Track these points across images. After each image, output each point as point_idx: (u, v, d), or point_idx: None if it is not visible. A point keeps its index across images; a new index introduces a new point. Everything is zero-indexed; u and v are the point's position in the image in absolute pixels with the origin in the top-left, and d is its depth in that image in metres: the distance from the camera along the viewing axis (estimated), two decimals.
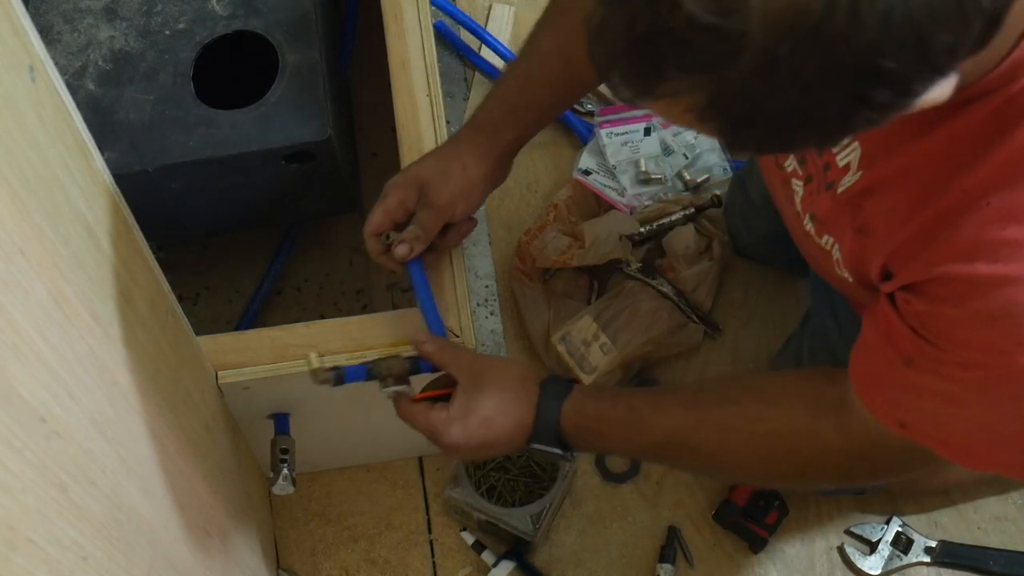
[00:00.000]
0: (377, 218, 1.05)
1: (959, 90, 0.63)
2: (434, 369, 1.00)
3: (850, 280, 0.89)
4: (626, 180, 1.51)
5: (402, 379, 1.00)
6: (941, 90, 0.60)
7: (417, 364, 1.00)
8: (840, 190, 0.85)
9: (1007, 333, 0.70)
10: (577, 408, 0.96)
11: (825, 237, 0.92)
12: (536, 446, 0.97)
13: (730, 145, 0.65)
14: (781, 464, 0.93)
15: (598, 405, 0.96)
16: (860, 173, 0.82)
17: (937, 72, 0.58)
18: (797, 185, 0.96)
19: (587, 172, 1.51)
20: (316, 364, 1.00)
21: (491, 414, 0.95)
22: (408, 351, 1.02)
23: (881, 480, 1.10)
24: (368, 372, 0.99)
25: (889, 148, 0.78)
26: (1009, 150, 0.68)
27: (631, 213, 1.48)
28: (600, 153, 1.52)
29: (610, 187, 1.50)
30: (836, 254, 0.90)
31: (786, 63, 0.55)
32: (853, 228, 0.84)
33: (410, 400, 0.99)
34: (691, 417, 0.94)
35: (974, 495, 1.37)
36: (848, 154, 0.84)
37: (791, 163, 0.96)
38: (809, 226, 0.94)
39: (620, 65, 0.60)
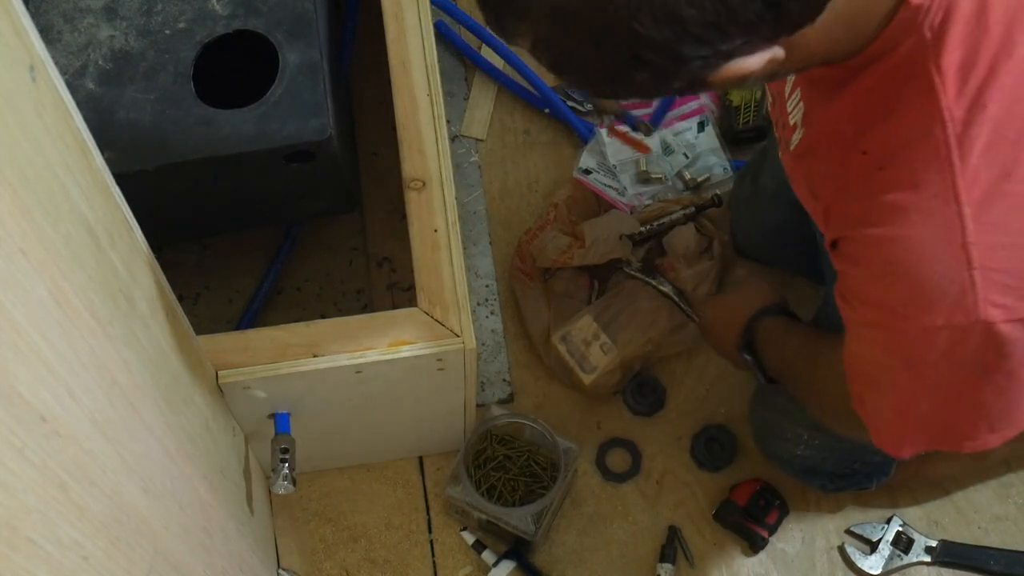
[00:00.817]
0: None
1: (850, 55, 0.73)
2: None
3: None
4: (626, 179, 1.51)
5: None
6: (757, 58, 0.67)
7: None
8: (791, 148, 0.89)
9: (892, 290, 0.75)
10: (762, 337, 1.16)
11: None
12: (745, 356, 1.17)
13: (565, 85, 0.73)
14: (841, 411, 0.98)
15: (781, 331, 1.15)
16: (803, 131, 0.86)
17: (706, 43, 0.65)
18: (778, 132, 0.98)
19: (587, 171, 1.51)
20: None
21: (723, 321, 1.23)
22: None
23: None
24: None
25: (816, 108, 0.83)
26: (898, 117, 0.73)
27: (631, 212, 1.48)
28: (600, 152, 1.52)
29: (610, 186, 1.50)
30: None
31: (569, 18, 0.64)
32: (809, 192, 0.87)
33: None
34: (809, 352, 1.06)
35: (974, 495, 1.37)
36: (795, 113, 0.88)
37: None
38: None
39: (482, 9, 0.70)
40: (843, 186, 0.79)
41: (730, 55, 0.67)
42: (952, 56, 0.70)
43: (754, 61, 0.68)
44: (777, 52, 0.68)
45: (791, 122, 0.91)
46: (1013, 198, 0.70)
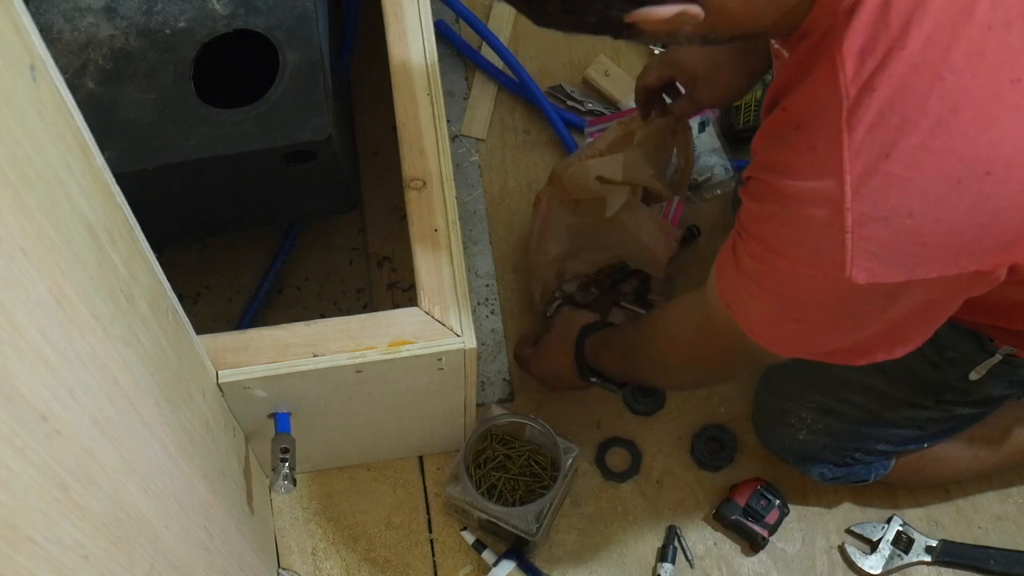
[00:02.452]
0: (652, 80, 1.29)
1: (788, 30, 0.83)
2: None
3: None
4: None
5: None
6: (668, 8, 0.75)
7: None
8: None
9: (777, 233, 0.84)
10: (592, 341, 1.24)
11: None
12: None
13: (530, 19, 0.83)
14: (673, 360, 1.14)
15: (602, 337, 1.24)
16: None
17: None
18: None
19: None
20: None
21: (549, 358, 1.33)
22: None
23: (742, 370, 1.24)
24: None
25: (778, 68, 0.92)
26: (811, 85, 0.80)
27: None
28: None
29: None
30: None
31: None
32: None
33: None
34: (633, 329, 1.21)
35: (974, 494, 1.37)
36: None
37: None
38: None
39: None
40: (764, 134, 0.87)
41: (637, 1, 0.75)
42: (854, 41, 0.77)
43: (664, 11, 0.75)
44: (691, 8, 0.75)
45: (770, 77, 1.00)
46: (888, 176, 0.77)
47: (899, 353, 0.91)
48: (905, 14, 0.75)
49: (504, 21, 1.65)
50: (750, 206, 0.87)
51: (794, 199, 0.81)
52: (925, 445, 1.26)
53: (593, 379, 1.25)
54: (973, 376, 1.12)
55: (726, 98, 1.30)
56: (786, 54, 0.92)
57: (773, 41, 0.95)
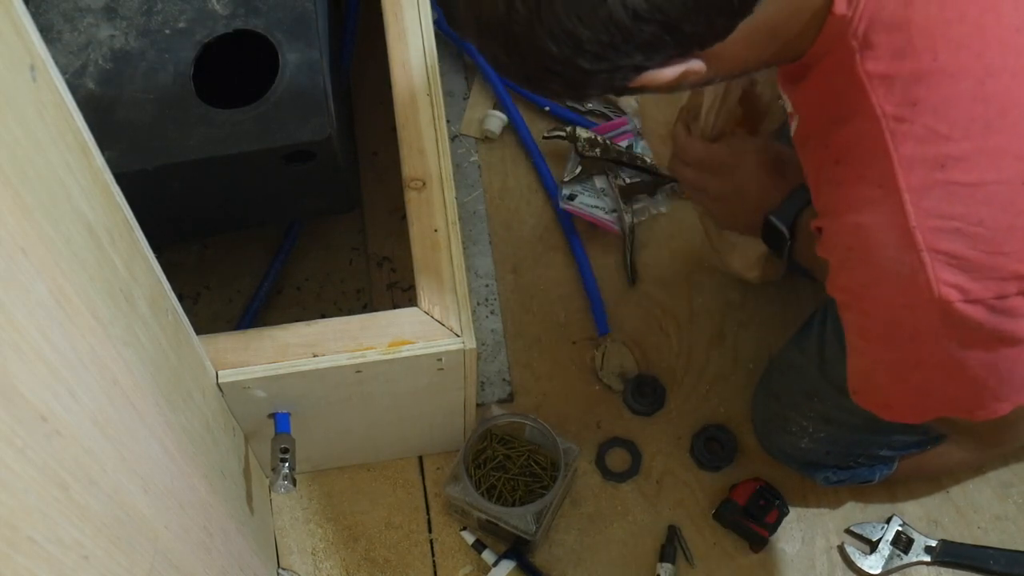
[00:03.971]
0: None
1: (791, 59, 0.81)
2: None
3: None
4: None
5: None
6: (672, 70, 0.74)
7: None
8: (792, 134, 0.93)
9: (854, 274, 0.81)
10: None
11: None
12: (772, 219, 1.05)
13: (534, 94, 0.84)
14: None
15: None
16: (796, 119, 0.90)
17: (605, 59, 0.71)
18: None
19: (572, 197, 1.50)
20: None
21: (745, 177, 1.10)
22: None
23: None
24: None
25: (792, 99, 0.89)
26: (844, 115, 0.79)
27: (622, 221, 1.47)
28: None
29: (597, 207, 1.49)
30: None
31: (487, 30, 0.71)
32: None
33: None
34: None
35: (974, 494, 1.37)
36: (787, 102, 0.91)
37: None
38: None
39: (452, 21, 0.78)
40: (815, 178, 0.85)
41: (639, 68, 0.73)
42: (878, 61, 0.75)
43: (669, 72, 0.74)
44: (694, 64, 0.74)
45: (788, 109, 0.95)
46: (948, 186, 0.75)
47: None
48: (926, 27, 0.74)
49: None
50: (826, 257, 0.85)
51: (859, 233, 0.79)
52: (928, 447, 1.26)
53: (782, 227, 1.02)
54: None
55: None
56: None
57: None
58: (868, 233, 0.78)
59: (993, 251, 0.75)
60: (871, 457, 1.26)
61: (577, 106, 1.57)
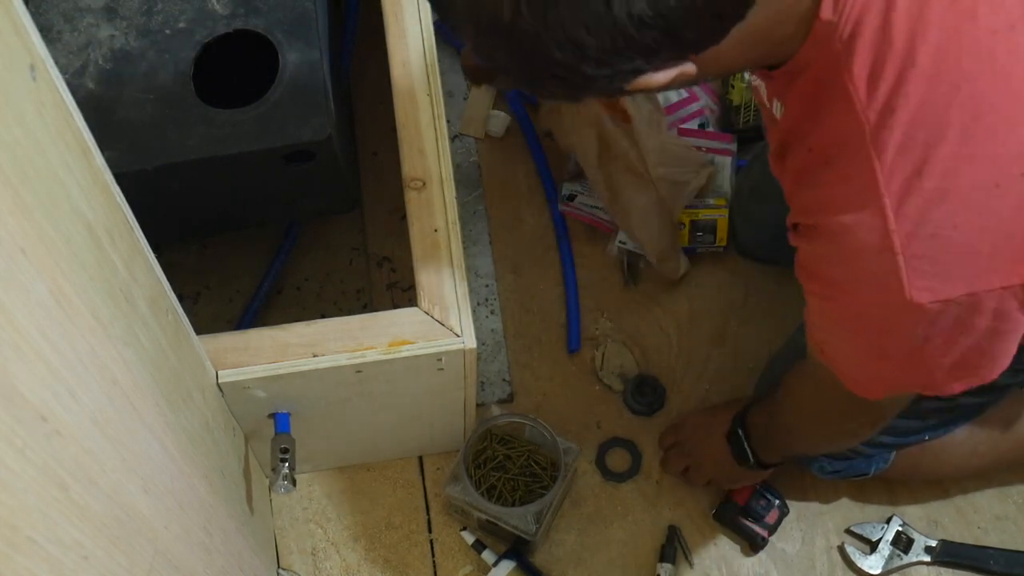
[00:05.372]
0: None
1: (778, 63, 0.82)
2: None
3: None
4: None
5: None
6: (665, 74, 0.75)
7: None
8: (772, 150, 0.95)
9: (834, 269, 0.85)
10: (758, 444, 1.24)
11: None
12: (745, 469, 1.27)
13: (501, 85, 0.86)
14: (810, 424, 1.15)
15: (764, 434, 1.23)
16: (776, 134, 0.93)
17: (608, 65, 0.72)
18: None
19: (571, 197, 1.50)
20: None
21: (720, 468, 1.31)
22: None
23: (862, 427, 1.19)
24: None
25: (782, 99, 0.90)
26: (829, 119, 0.81)
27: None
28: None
29: (597, 207, 1.49)
30: None
31: (487, 30, 0.71)
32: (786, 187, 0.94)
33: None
34: (777, 410, 1.19)
35: (974, 494, 1.37)
36: (775, 115, 0.93)
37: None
38: None
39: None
40: (797, 178, 0.87)
41: (637, 72, 0.74)
42: (861, 66, 0.77)
43: (663, 76, 0.76)
44: (687, 67, 0.76)
45: (776, 115, 0.96)
46: (925, 192, 0.77)
47: (993, 375, 0.89)
48: (907, 31, 0.75)
49: None
50: (803, 248, 0.88)
51: (841, 234, 0.81)
52: (927, 437, 1.25)
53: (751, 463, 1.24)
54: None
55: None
56: (760, 83, 0.92)
57: (753, 75, 0.96)
58: (850, 233, 0.80)
59: (966, 252, 0.78)
60: (870, 444, 1.26)
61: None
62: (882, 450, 1.28)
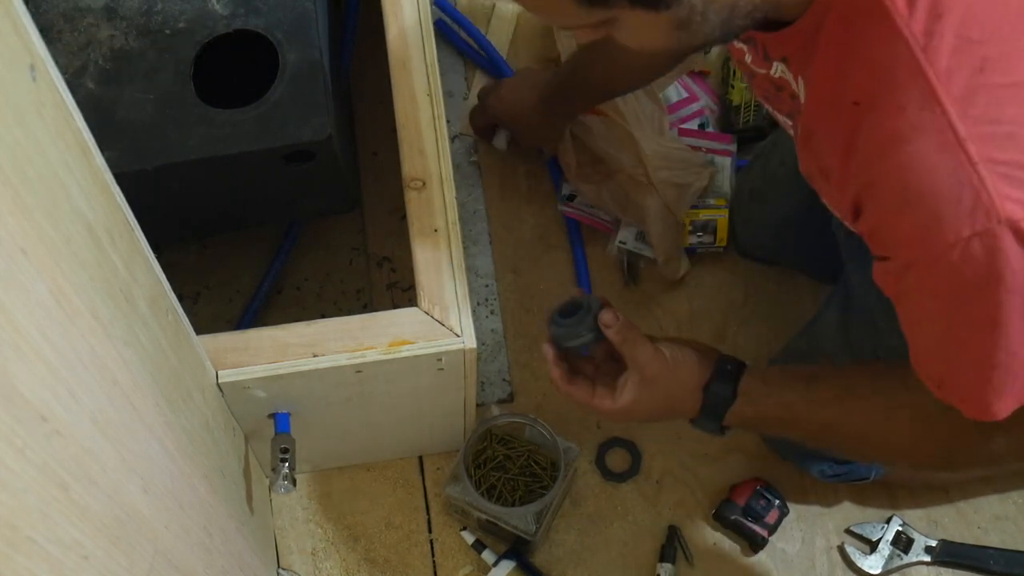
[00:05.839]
0: (479, 124, 1.57)
1: (799, 12, 0.77)
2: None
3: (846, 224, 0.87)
4: None
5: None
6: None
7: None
8: (797, 137, 0.87)
9: (914, 217, 0.73)
10: (736, 414, 1.02)
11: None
12: (693, 427, 1.06)
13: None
14: (924, 447, 0.95)
15: (757, 408, 1.01)
16: (800, 119, 0.86)
17: None
18: (790, 128, 0.94)
19: (570, 198, 1.50)
20: None
21: (657, 413, 1.04)
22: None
23: (997, 462, 1.01)
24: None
25: (807, 88, 0.83)
26: (868, 54, 0.74)
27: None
28: None
29: (596, 208, 1.49)
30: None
31: None
32: (820, 174, 0.85)
33: (565, 374, 1.05)
34: (842, 410, 0.97)
35: (974, 495, 1.37)
36: (799, 88, 0.86)
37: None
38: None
39: None
40: (846, 145, 0.78)
41: None
42: None
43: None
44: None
45: (787, 114, 0.92)
46: (993, 88, 0.70)
47: None
48: None
49: (506, 22, 1.65)
50: (875, 223, 0.78)
51: (908, 169, 0.72)
52: None
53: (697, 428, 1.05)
54: None
55: (540, 142, 1.46)
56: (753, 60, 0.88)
57: (746, 52, 0.91)
58: (917, 164, 0.72)
59: None
60: None
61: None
62: None
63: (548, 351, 1.05)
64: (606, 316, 1.01)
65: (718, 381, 1.02)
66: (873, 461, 1.14)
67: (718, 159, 1.49)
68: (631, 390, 1.02)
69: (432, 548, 1.34)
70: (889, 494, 1.36)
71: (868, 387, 0.96)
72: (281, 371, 1.05)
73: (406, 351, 1.06)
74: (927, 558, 1.32)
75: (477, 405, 1.34)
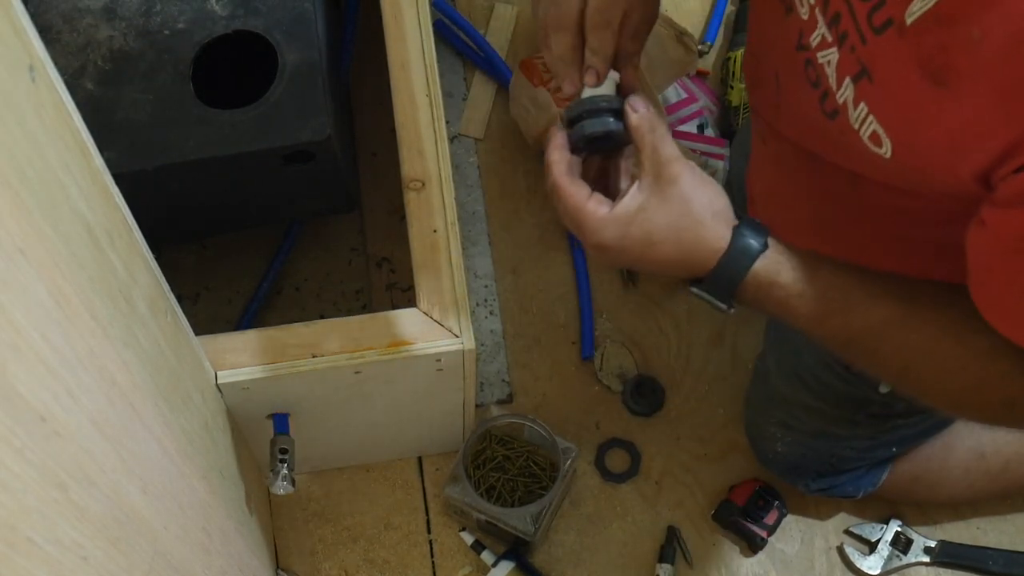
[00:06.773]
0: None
1: None
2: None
3: (886, 157, 0.73)
4: None
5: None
6: None
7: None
8: (909, 21, 0.68)
9: None
10: (770, 272, 0.81)
11: (860, 106, 0.74)
12: (694, 291, 0.83)
13: None
14: (990, 388, 0.76)
15: (795, 275, 0.80)
16: None
17: None
18: (829, 56, 0.77)
19: None
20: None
21: (661, 236, 0.79)
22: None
23: None
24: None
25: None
26: None
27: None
28: None
29: None
30: (872, 126, 0.73)
31: None
32: (923, 75, 0.68)
33: (567, 164, 0.82)
34: (908, 312, 0.78)
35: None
36: None
37: (817, 36, 0.78)
38: (847, 93, 0.75)
39: None
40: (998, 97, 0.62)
41: None
42: None
43: None
44: None
45: None
46: None
47: None
48: None
49: (506, 22, 1.65)
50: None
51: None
52: (894, 450, 1.24)
53: (696, 292, 0.84)
54: (883, 388, 1.02)
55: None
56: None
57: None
58: None
59: None
60: (843, 460, 1.24)
61: None
62: (860, 465, 1.26)
63: (554, 133, 0.83)
64: (636, 100, 0.81)
65: (747, 225, 0.81)
66: (922, 394, 0.85)
67: (711, 162, 1.49)
68: (640, 193, 0.79)
69: (431, 548, 1.34)
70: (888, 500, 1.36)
71: (943, 298, 0.77)
72: (280, 372, 1.05)
73: (405, 352, 1.06)
74: (926, 559, 1.32)
75: (476, 406, 1.34)
